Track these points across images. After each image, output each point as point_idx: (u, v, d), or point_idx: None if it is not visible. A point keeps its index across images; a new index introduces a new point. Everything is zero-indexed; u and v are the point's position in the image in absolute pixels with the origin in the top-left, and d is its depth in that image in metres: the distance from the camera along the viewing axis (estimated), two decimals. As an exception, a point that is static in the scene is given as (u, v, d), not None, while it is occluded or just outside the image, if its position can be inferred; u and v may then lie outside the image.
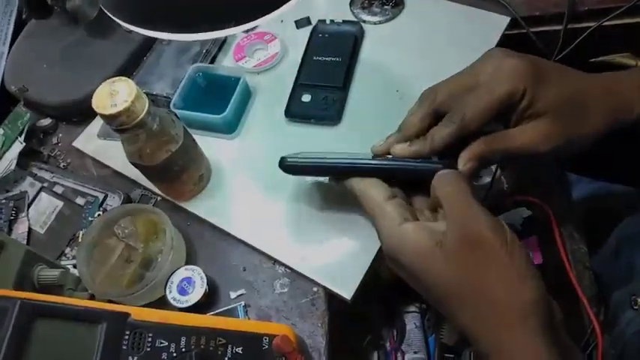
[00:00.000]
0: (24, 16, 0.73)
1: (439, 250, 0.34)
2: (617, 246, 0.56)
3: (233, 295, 0.51)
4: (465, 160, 0.39)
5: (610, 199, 0.67)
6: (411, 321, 0.59)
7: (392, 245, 0.37)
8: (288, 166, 0.46)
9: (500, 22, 0.62)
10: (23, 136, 0.63)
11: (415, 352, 0.57)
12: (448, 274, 0.34)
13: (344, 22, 0.65)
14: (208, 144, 0.58)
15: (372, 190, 0.40)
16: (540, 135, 0.38)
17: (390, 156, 0.44)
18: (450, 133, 0.40)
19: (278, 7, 0.35)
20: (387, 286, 0.62)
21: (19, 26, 0.71)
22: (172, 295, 0.49)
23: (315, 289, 0.51)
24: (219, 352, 0.41)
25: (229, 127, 0.58)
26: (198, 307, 0.49)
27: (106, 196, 0.58)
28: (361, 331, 0.60)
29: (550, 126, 0.38)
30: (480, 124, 0.39)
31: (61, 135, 0.65)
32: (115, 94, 0.45)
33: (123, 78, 0.46)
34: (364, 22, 0.65)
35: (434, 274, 0.34)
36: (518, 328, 0.31)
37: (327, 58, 0.62)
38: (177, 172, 0.52)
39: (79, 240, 0.56)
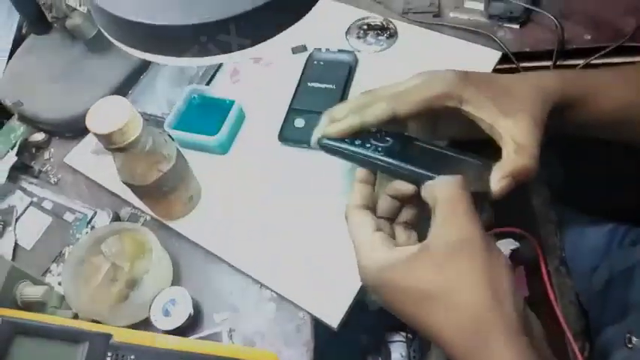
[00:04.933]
0: (24, 31, 0.73)
1: (423, 254, 0.35)
2: (607, 282, 0.57)
3: (218, 318, 0.51)
4: (498, 178, 0.39)
5: (600, 234, 0.68)
6: (397, 350, 0.58)
7: (369, 267, 0.37)
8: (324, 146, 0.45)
9: (491, 57, 0.63)
10: (15, 149, 0.63)
11: (400, 382, 0.56)
12: (430, 277, 0.34)
13: (339, 50, 0.66)
14: (200, 163, 0.58)
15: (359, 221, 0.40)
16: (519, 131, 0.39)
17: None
18: (382, 108, 0.41)
19: (272, 36, 0.36)
20: (374, 314, 0.62)
21: (18, 40, 0.72)
22: (156, 316, 0.49)
23: (301, 314, 0.51)
24: (201, 377, 0.41)
25: (222, 149, 0.59)
26: (182, 330, 0.49)
27: (95, 214, 0.58)
28: (347, 358, 0.60)
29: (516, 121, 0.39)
30: (412, 110, 0.41)
31: (53, 150, 0.65)
32: (109, 114, 0.45)
33: (118, 97, 0.46)
34: (359, 51, 0.67)
35: (414, 278, 0.34)
36: (495, 337, 0.32)
37: (321, 85, 0.63)
38: (167, 192, 0.52)
39: (66, 257, 0.56)
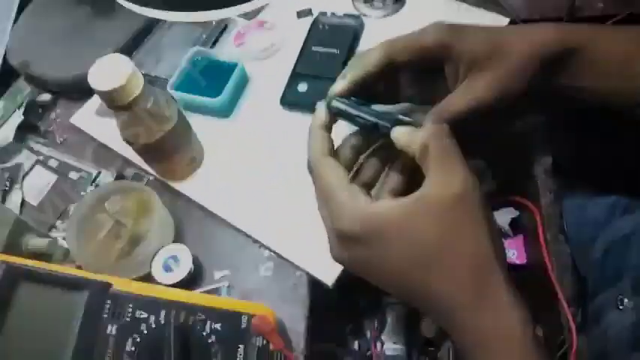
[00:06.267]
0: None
1: (420, 204, 0.33)
2: (605, 250, 0.57)
3: (217, 275, 0.52)
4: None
5: (601, 207, 0.67)
6: (393, 313, 0.59)
7: (350, 217, 0.34)
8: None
9: (499, 22, 0.62)
10: (22, 109, 0.64)
11: (395, 343, 0.57)
12: (428, 228, 0.32)
13: (345, 15, 0.66)
14: (203, 126, 0.58)
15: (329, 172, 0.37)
16: (480, 86, 0.38)
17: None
18: (377, 54, 0.40)
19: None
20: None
21: (24, 3, 0.72)
22: (157, 271, 0.50)
23: (298, 273, 0.52)
24: (198, 328, 0.42)
25: (225, 111, 0.59)
26: (183, 285, 0.50)
27: (99, 173, 0.59)
28: (344, 319, 0.61)
29: (484, 72, 0.38)
30: (404, 56, 0.39)
31: (59, 111, 0.66)
32: (111, 71, 0.46)
33: (120, 55, 0.47)
34: (365, 15, 0.66)
35: (411, 229, 0.33)
36: (496, 286, 0.32)
37: (325, 50, 0.63)
38: (168, 152, 0.53)
39: (70, 213, 0.57)
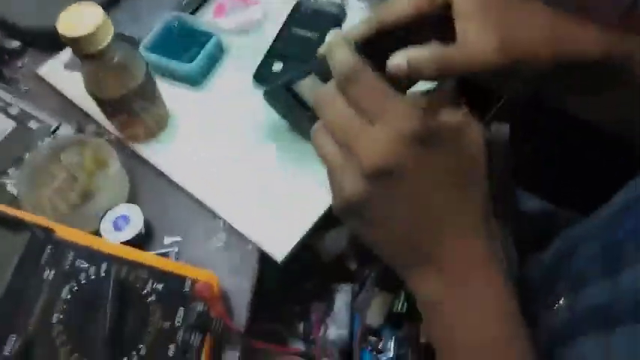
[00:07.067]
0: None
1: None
2: (548, 264, 0.58)
3: (168, 240, 0.52)
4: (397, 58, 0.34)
5: (552, 218, 0.69)
6: (341, 299, 0.60)
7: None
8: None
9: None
10: (-13, 53, 0.62)
11: (339, 328, 0.58)
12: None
13: (328, 1, 0.66)
14: (172, 92, 0.58)
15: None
16: (474, 39, 0.35)
17: None
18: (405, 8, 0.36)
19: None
20: (325, 266, 0.64)
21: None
22: (106, 228, 0.49)
23: (249, 247, 0.52)
24: (138, 285, 0.42)
25: (194, 79, 0.59)
26: (131, 245, 0.49)
27: (59, 125, 0.58)
28: (291, 301, 0.61)
29: (479, 28, 0.35)
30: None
31: (26, 60, 0.64)
32: (81, 18, 0.45)
33: (92, 3, 0.46)
34: (348, 4, 0.66)
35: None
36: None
37: (304, 33, 0.63)
38: (132, 111, 0.52)
39: (24, 161, 0.56)
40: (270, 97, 0.53)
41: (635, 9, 0.56)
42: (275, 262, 0.51)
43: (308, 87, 0.48)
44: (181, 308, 0.43)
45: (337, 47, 0.33)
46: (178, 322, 0.41)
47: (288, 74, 0.50)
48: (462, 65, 0.35)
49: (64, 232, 0.41)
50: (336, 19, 0.65)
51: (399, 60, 0.34)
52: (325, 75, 0.35)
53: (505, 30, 0.36)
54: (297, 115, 0.51)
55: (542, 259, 0.60)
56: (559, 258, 0.55)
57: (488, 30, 0.35)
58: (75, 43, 0.45)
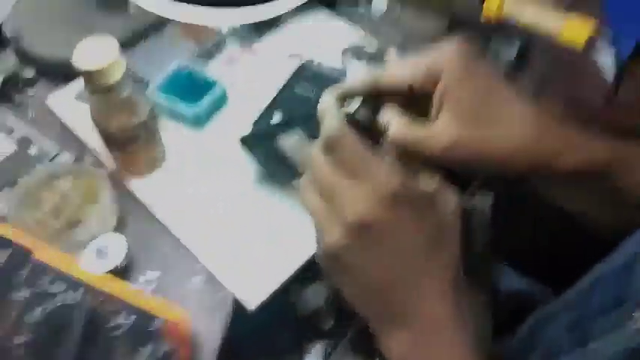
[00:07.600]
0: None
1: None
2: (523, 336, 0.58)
3: (148, 274, 0.52)
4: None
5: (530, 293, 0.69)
6: (313, 356, 0.59)
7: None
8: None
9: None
10: (1, 78, 0.65)
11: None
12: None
13: (331, 67, 0.70)
14: (173, 133, 0.60)
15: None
16: (440, 127, 0.37)
17: None
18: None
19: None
20: (299, 321, 0.63)
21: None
22: (88, 256, 0.49)
23: (226, 291, 0.52)
24: (109, 317, 0.41)
25: (196, 122, 0.61)
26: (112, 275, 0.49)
27: (58, 153, 0.59)
28: (262, 353, 0.60)
29: (447, 119, 0.37)
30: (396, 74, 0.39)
31: (38, 89, 0.67)
32: (97, 52, 0.48)
33: (109, 39, 0.49)
34: (349, 69, 0.70)
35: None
36: None
37: (305, 93, 0.67)
38: (130, 145, 0.54)
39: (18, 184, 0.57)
40: (250, 144, 0.56)
41: (615, 95, 0.59)
42: (249, 311, 0.51)
43: (292, 141, 0.52)
44: (148, 347, 0.42)
45: (326, 112, 0.37)
46: None
47: (272, 126, 0.54)
48: (424, 149, 0.37)
49: (43, 254, 0.41)
50: (337, 83, 0.68)
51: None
52: (313, 134, 0.38)
53: (476, 129, 0.37)
54: (276, 165, 0.54)
55: (516, 330, 0.60)
56: (533, 330, 0.55)
57: (454, 124, 0.37)
58: (88, 75, 0.48)
